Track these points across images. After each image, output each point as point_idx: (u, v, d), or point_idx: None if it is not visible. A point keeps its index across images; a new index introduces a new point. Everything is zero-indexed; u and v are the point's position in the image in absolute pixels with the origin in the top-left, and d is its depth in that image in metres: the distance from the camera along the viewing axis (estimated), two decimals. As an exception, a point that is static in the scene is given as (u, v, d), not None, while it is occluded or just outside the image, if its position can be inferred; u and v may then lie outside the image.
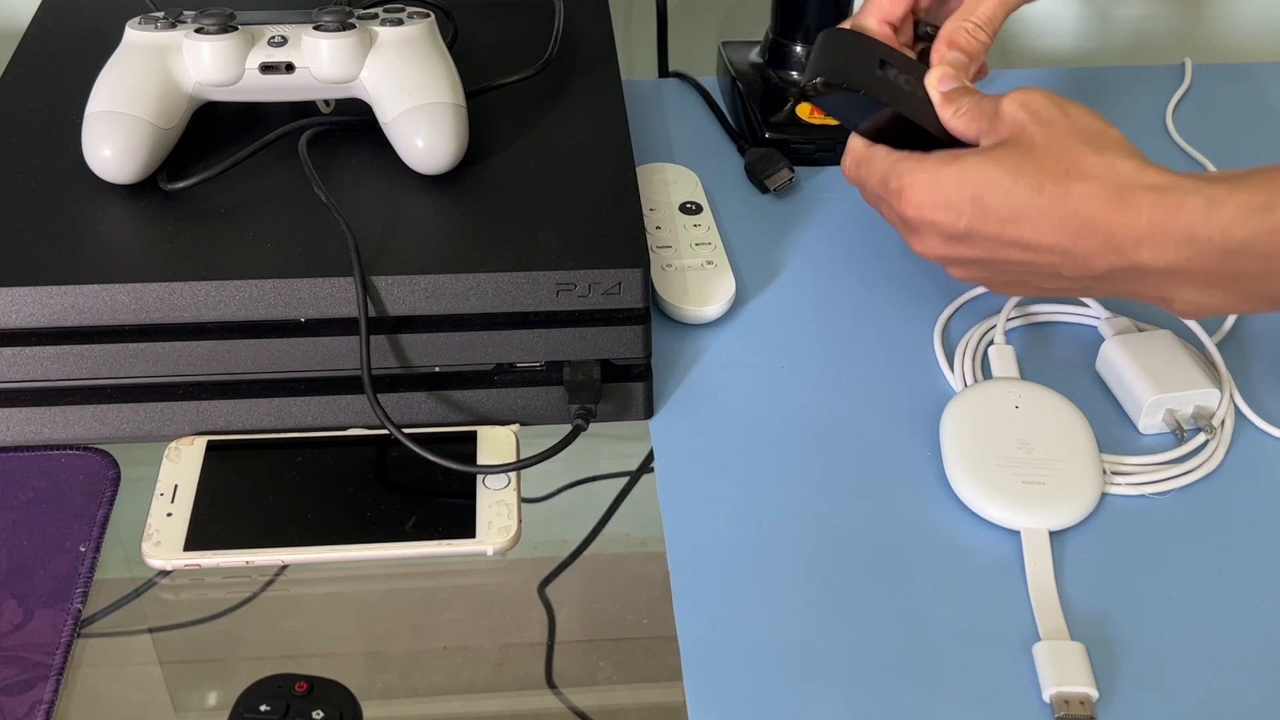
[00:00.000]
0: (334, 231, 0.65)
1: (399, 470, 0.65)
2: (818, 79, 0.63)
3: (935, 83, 0.65)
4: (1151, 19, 1.09)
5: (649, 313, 0.66)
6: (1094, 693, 0.55)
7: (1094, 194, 0.58)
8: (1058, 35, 1.09)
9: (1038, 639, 0.58)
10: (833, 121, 0.86)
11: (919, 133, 0.64)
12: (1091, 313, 0.74)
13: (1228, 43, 1.10)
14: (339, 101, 0.73)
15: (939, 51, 0.68)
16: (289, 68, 0.68)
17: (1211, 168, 0.86)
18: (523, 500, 0.64)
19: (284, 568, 0.61)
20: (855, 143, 0.66)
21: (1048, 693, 0.56)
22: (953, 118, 0.64)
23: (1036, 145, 0.60)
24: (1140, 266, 0.58)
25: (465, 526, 0.62)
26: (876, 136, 0.66)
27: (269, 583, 0.61)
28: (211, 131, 0.72)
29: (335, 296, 0.63)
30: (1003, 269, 0.62)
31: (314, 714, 0.54)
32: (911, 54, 0.72)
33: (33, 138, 0.72)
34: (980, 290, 0.76)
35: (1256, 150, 0.88)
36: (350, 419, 0.67)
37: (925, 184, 0.62)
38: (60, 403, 0.66)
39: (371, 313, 0.64)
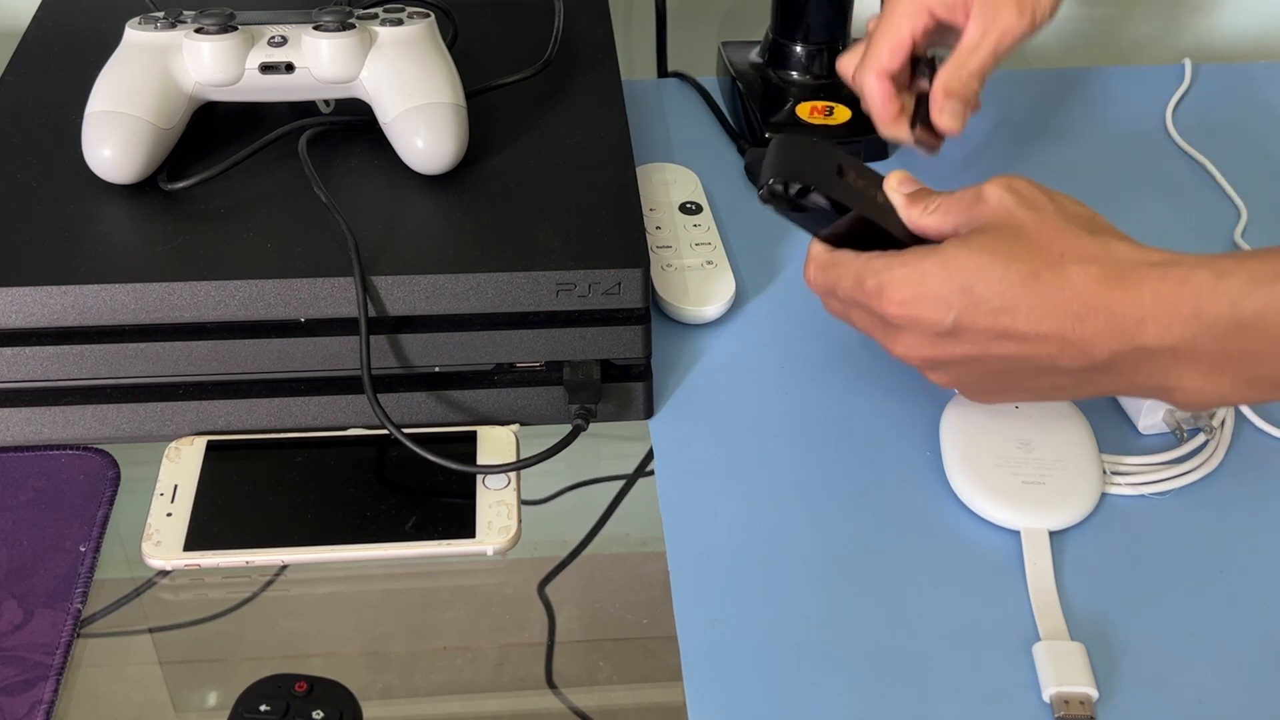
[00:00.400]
0: (334, 231, 0.65)
1: (399, 470, 0.65)
2: (773, 181, 0.60)
3: (896, 185, 0.62)
4: (1151, 19, 1.09)
5: (649, 313, 0.66)
6: (1094, 693, 0.55)
7: (1092, 275, 0.55)
8: (1057, 35, 1.09)
9: (1038, 639, 0.58)
10: (833, 121, 0.86)
11: (882, 237, 0.61)
12: (1091, 313, 0.74)
13: (1228, 43, 1.10)
14: (339, 101, 0.73)
15: (936, 101, 0.72)
16: (289, 68, 0.68)
17: (1213, 168, 0.86)
18: (523, 500, 0.64)
19: (284, 568, 0.61)
20: (817, 248, 0.63)
21: (1048, 693, 0.56)
22: (921, 216, 0.61)
23: (1026, 230, 0.56)
24: (1144, 349, 0.54)
25: (465, 526, 0.62)
26: (836, 244, 0.63)
27: (269, 583, 0.61)
28: (211, 131, 0.72)
29: (335, 296, 0.63)
30: (992, 367, 0.58)
31: (314, 714, 0.54)
32: (910, 98, 0.75)
33: (33, 138, 0.72)
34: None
35: (1257, 151, 0.88)
36: (350, 419, 0.67)
37: (907, 278, 0.58)
38: (60, 403, 0.66)
39: (371, 313, 0.64)
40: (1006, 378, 0.59)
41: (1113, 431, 0.68)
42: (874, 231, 0.61)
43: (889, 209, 0.61)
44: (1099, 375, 0.57)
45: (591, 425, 0.65)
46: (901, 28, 0.73)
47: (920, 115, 0.76)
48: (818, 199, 0.60)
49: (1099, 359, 0.55)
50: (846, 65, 0.77)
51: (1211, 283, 0.53)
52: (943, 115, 0.73)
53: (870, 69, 0.74)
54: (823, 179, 0.60)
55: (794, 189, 0.60)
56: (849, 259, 0.61)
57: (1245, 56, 1.10)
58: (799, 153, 0.61)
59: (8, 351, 0.64)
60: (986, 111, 0.91)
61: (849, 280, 0.60)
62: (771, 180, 0.60)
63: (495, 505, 0.63)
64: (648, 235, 0.70)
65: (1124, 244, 0.56)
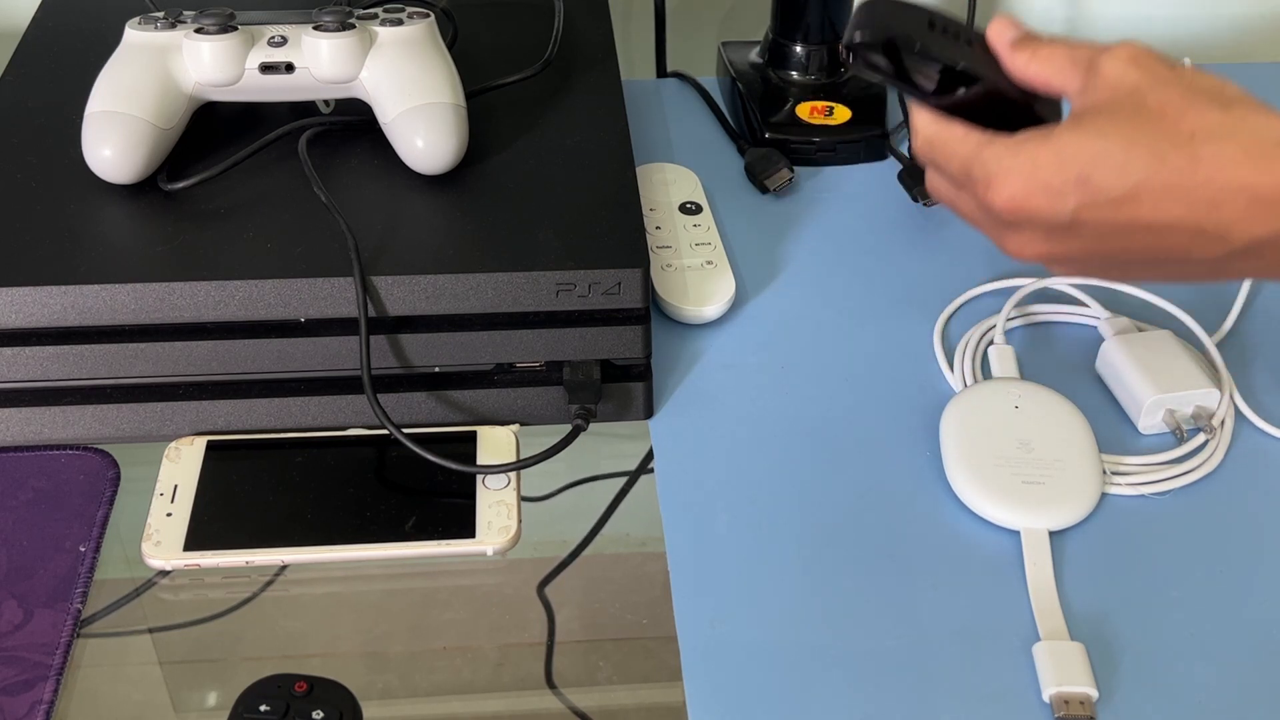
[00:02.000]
0: (334, 231, 0.65)
1: (399, 470, 0.65)
2: (862, 34, 0.55)
3: (998, 33, 0.56)
4: (1151, 19, 1.09)
5: (649, 313, 0.66)
6: (1094, 693, 0.55)
7: (1229, 155, 0.49)
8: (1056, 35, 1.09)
9: (1038, 639, 0.58)
10: (833, 121, 0.86)
11: (993, 104, 0.56)
12: (1091, 313, 0.74)
13: (1228, 43, 1.10)
14: (339, 101, 0.73)
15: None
16: (289, 68, 0.68)
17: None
18: (523, 500, 0.64)
19: (284, 568, 0.61)
20: (923, 120, 0.56)
21: (1047, 693, 0.56)
22: (1027, 64, 0.55)
23: (1148, 107, 0.51)
24: None
25: (465, 526, 0.62)
26: (947, 112, 0.57)
27: (269, 583, 0.61)
28: (211, 131, 0.72)
29: (335, 296, 0.63)
30: (1119, 259, 0.54)
31: (314, 714, 0.54)
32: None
33: (33, 138, 0.72)
34: (980, 290, 0.76)
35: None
36: (350, 419, 0.67)
37: (1018, 169, 0.52)
38: (60, 403, 0.66)
39: (371, 313, 0.64)
40: (1135, 269, 0.55)
41: (1113, 431, 0.68)
42: (983, 96, 0.56)
43: (993, 64, 0.56)
44: (1239, 261, 0.52)
45: (591, 425, 0.65)
46: None
47: None
48: (911, 58, 0.55)
49: (1238, 245, 0.51)
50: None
51: None
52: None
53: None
54: (915, 29, 0.55)
55: (881, 48, 0.55)
56: (957, 137, 0.55)
57: (1246, 56, 1.10)
58: (886, 9, 0.56)
59: (8, 351, 0.64)
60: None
61: (956, 164, 0.55)
62: (858, 35, 0.55)
63: (495, 505, 0.63)
64: (648, 235, 0.70)
65: (1261, 116, 0.51)
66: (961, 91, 0.56)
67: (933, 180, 0.58)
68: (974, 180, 0.54)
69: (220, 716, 0.54)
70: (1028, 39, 0.55)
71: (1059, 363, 0.72)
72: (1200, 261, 0.52)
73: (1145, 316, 0.73)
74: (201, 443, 0.66)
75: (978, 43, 0.57)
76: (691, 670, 0.57)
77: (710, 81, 0.94)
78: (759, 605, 0.60)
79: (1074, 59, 0.54)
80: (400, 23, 0.70)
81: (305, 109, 0.73)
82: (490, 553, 0.61)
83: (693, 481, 0.65)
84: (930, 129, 0.56)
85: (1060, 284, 0.75)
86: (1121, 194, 0.50)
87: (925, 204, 0.80)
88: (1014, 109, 0.56)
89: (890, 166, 0.85)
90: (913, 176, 0.82)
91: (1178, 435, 0.67)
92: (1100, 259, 0.54)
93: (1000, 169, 0.52)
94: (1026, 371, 0.71)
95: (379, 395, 0.63)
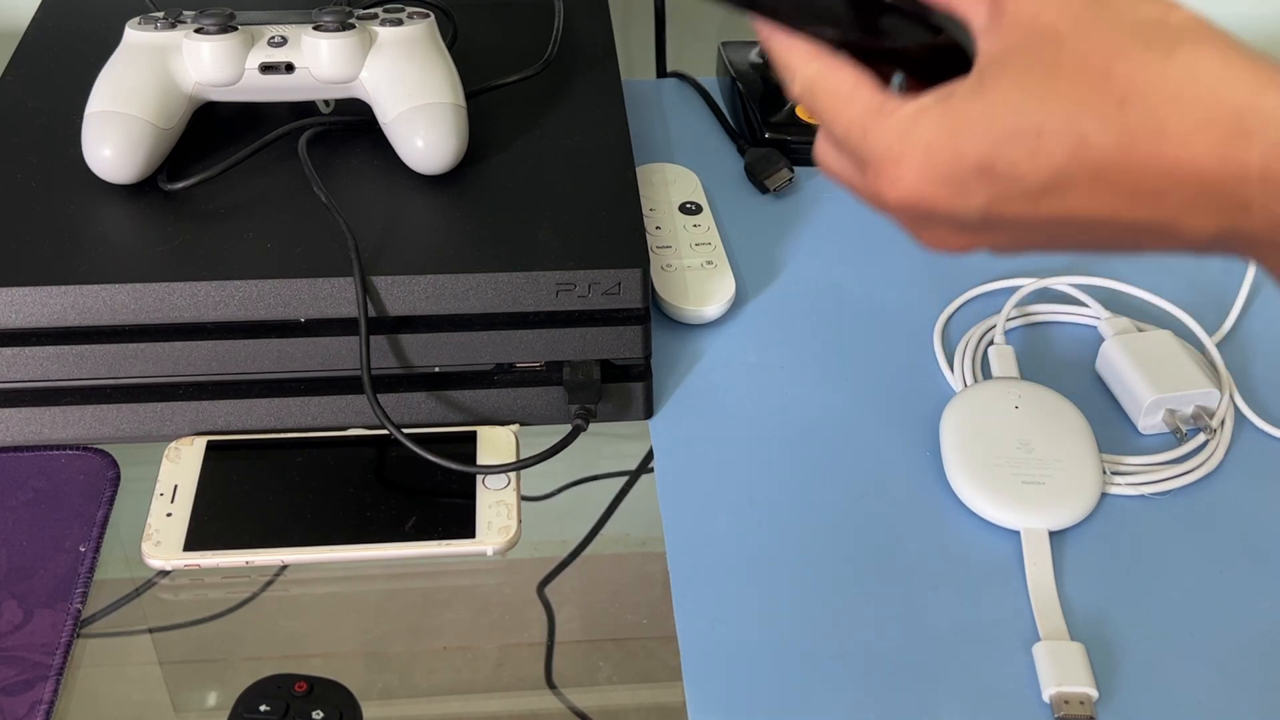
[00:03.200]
0: (334, 231, 0.65)
1: (399, 470, 0.65)
2: None
3: None
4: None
5: (649, 313, 0.66)
6: (1094, 692, 0.55)
7: (1171, 129, 0.38)
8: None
9: (1038, 639, 0.58)
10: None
11: (880, 30, 0.43)
12: (1091, 312, 0.74)
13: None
14: (339, 101, 0.73)
15: None
16: (289, 68, 0.68)
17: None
18: (523, 500, 0.64)
19: (284, 568, 0.61)
20: (798, 56, 0.44)
21: (1048, 693, 0.56)
22: None
23: (1066, 57, 0.39)
24: (1249, 235, 0.39)
25: (465, 527, 0.62)
26: (836, 47, 0.44)
27: (269, 583, 0.61)
28: (211, 132, 0.72)
29: (335, 296, 0.63)
30: (1060, 243, 0.43)
31: (313, 714, 0.54)
32: None
33: (33, 138, 0.72)
34: (980, 290, 0.76)
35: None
36: (350, 419, 0.67)
37: (910, 157, 0.41)
38: (60, 403, 0.66)
39: (371, 313, 0.64)
40: (1086, 248, 0.43)
41: (1113, 431, 0.68)
42: (871, 20, 0.43)
43: None
44: (1212, 250, 0.41)
45: (591, 425, 0.65)
46: None
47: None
48: None
49: (1197, 241, 0.40)
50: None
51: None
52: None
53: None
54: None
55: None
56: (843, 91, 0.43)
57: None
58: None
59: (7, 351, 0.64)
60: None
61: (840, 127, 0.43)
62: None
63: (495, 505, 0.63)
64: (648, 235, 0.70)
65: (1215, 63, 0.38)
66: (841, 12, 0.43)
67: (821, 147, 0.46)
68: (863, 162, 0.43)
69: (220, 717, 0.54)
70: None
71: (1059, 363, 0.72)
72: (1162, 250, 0.41)
73: (1145, 316, 0.73)
74: (201, 443, 0.66)
75: None
76: (691, 670, 0.57)
77: (710, 81, 0.94)
78: (759, 605, 0.60)
79: None
80: (400, 23, 0.70)
81: (305, 109, 0.73)
82: (490, 553, 0.61)
83: (693, 481, 0.65)
84: (809, 70, 0.44)
85: (1061, 284, 0.75)
86: (1039, 185, 0.40)
87: None
88: (918, 35, 0.43)
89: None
90: None
91: (1178, 435, 0.67)
92: (1042, 245, 0.43)
93: (890, 156, 0.42)
94: (1026, 371, 0.71)
95: (379, 395, 0.63)
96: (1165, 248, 0.41)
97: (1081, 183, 0.39)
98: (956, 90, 0.41)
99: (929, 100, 0.41)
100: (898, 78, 0.46)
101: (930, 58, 0.43)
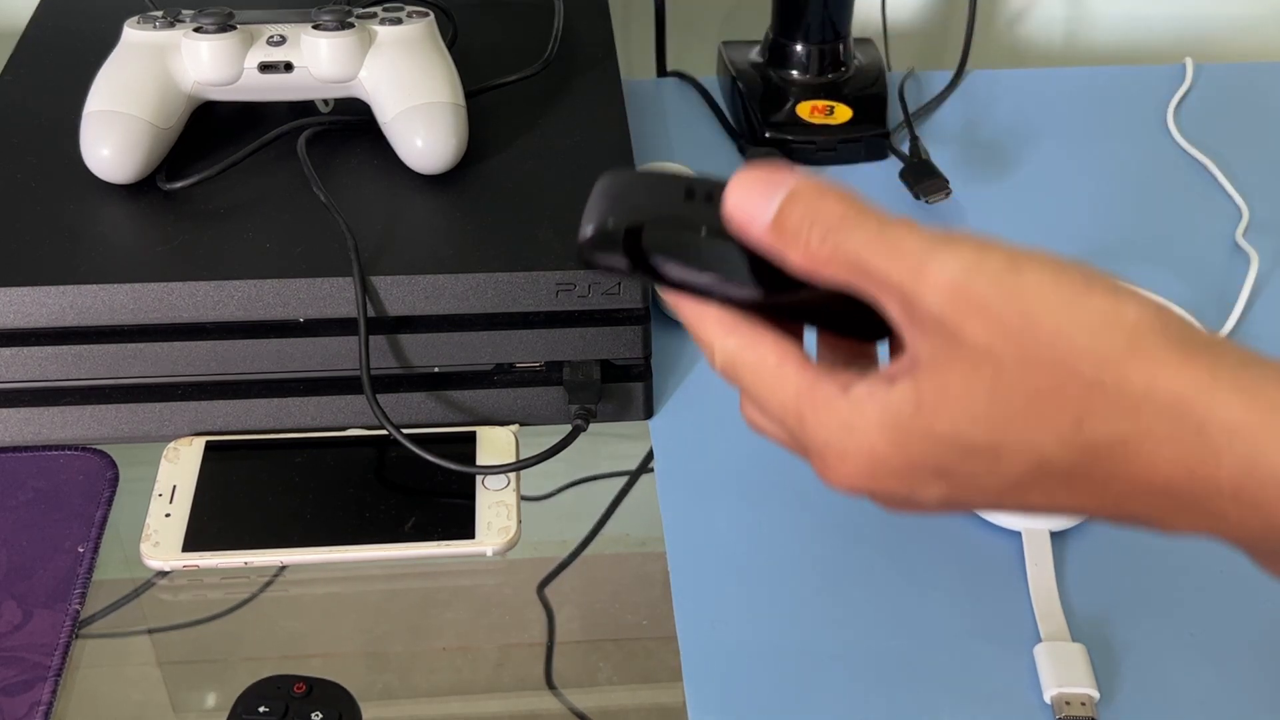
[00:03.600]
0: (333, 231, 0.65)
1: (398, 471, 0.65)
2: (598, 226, 0.42)
3: (741, 211, 0.39)
4: (1151, 19, 1.08)
5: (649, 313, 0.66)
6: (1095, 693, 0.55)
7: (1135, 451, 0.36)
8: (1056, 36, 1.09)
9: (1039, 640, 0.58)
10: (834, 120, 0.86)
11: (799, 302, 0.41)
12: (1092, 313, 0.73)
13: (1229, 42, 1.10)
14: (338, 101, 0.73)
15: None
16: (288, 67, 0.68)
17: (1214, 168, 0.85)
18: (522, 500, 0.63)
19: (283, 568, 0.61)
20: (713, 328, 0.42)
21: (1049, 693, 0.55)
22: (806, 264, 0.39)
23: (1007, 375, 0.37)
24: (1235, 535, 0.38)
25: (464, 527, 0.62)
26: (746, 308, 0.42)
27: (268, 583, 0.61)
28: (210, 131, 0.72)
29: (334, 296, 0.63)
30: (1039, 513, 0.44)
31: (313, 715, 0.53)
32: None
33: (31, 137, 0.72)
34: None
35: (1259, 151, 0.88)
36: (349, 419, 0.67)
37: (854, 456, 0.39)
38: (59, 403, 0.66)
39: (371, 313, 0.63)
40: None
41: (1114, 431, 0.68)
42: (785, 295, 0.41)
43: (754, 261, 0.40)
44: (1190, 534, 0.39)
45: (591, 425, 0.65)
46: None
47: None
48: (670, 251, 0.40)
49: (1179, 531, 0.39)
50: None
51: None
52: None
53: None
54: (667, 211, 0.40)
55: (621, 242, 0.41)
56: (768, 367, 0.41)
57: (1246, 56, 1.10)
58: (626, 185, 0.42)
59: (6, 352, 0.64)
60: (986, 112, 0.91)
61: (773, 405, 0.41)
62: (591, 229, 0.41)
63: (495, 506, 0.63)
64: (648, 235, 0.70)
65: (1174, 366, 0.36)
66: (750, 275, 0.40)
67: (749, 412, 0.44)
68: (803, 446, 0.41)
69: (219, 717, 0.54)
70: (789, 220, 0.39)
71: (1060, 363, 0.71)
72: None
73: (1146, 316, 0.73)
74: (200, 443, 0.66)
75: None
76: (691, 670, 0.57)
77: (710, 81, 0.94)
78: (759, 605, 0.60)
79: (873, 275, 0.38)
80: (399, 22, 0.69)
81: (304, 108, 0.73)
82: (490, 553, 0.61)
83: (693, 481, 0.65)
84: (729, 344, 0.41)
85: (1061, 284, 0.74)
86: (1001, 489, 0.38)
87: (928, 202, 0.80)
88: (828, 296, 0.40)
89: (891, 165, 0.84)
90: (915, 175, 0.81)
91: (1179, 435, 0.67)
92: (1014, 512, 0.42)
93: (833, 450, 0.40)
94: (1027, 371, 0.70)
95: (378, 395, 0.63)
96: (1159, 530, 0.40)
97: (1048, 487, 0.38)
98: (894, 397, 0.38)
99: (864, 394, 0.39)
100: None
101: (844, 313, 0.41)
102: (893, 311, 0.38)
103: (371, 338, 0.64)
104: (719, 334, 0.42)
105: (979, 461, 0.38)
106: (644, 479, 0.66)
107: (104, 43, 0.70)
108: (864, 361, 0.44)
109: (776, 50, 0.89)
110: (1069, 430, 0.37)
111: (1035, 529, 0.62)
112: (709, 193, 0.40)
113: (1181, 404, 0.36)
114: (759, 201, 0.39)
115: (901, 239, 0.38)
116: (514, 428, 0.67)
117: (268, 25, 0.69)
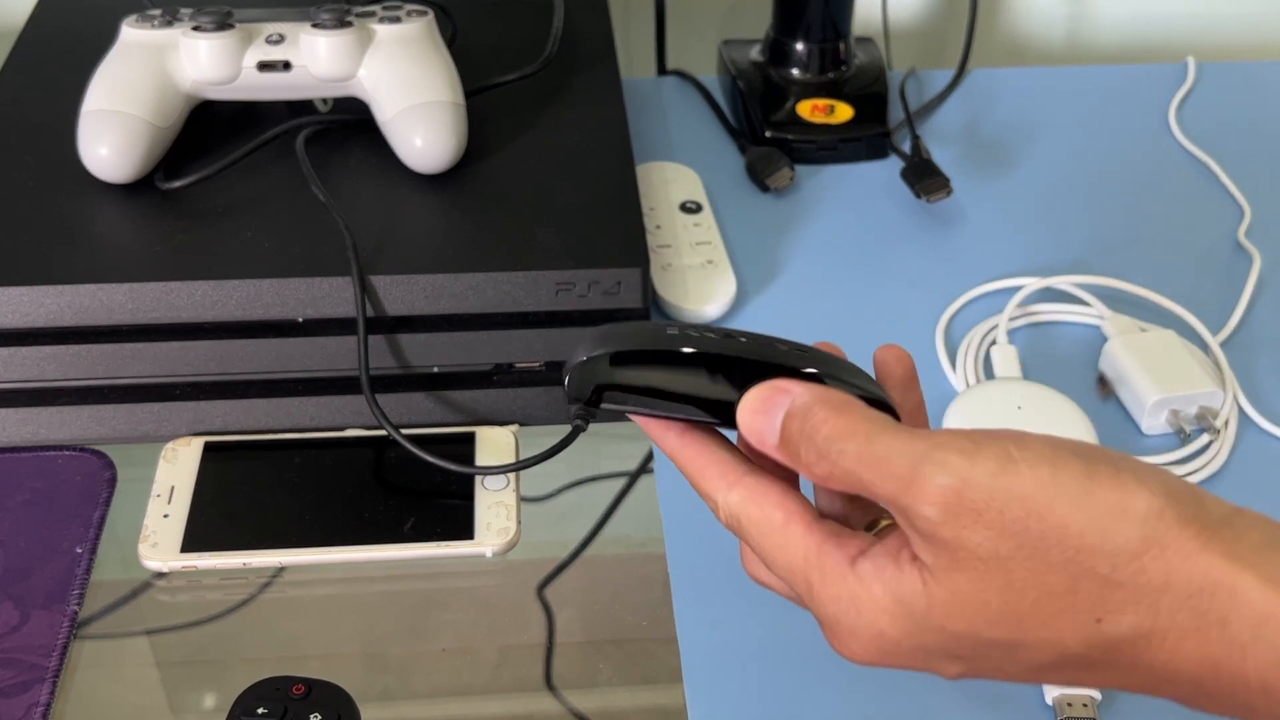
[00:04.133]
0: (332, 231, 0.65)
1: (397, 471, 0.65)
2: (581, 380, 0.43)
3: (751, 428, 0.41)
4: (1151, 19, 1.08)
5: (649, 313, 0.65)
6: (1097, 694, 0.55)
7: (1159, 643, 0.36)
8: (1057, 35, 1.09)
9: (1041, 641, 0.57)
10: (834, 119, 0.86)
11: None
12: (1094, 312, 0.73)
13: (1232, 41, 1.10)
14: (337, 100, 0.73)
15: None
16: (286, 66, 0.68)
17: (1216, 167, 0.85)
18: (522, 501, 0.63)
19: (281, 569, 0.61)
20: (715, 482, 0.43)
21: (1051, 694, 0.55)
22: (815, 476, 0.40)
23: (1018, 578, 0.37)
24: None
25: (464, 528, 0.62)
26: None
27: (266, 584, 0.61)
28: (208, 130, 0.71)
29: (333, 296, 0.63)
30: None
31: (311, 717, 0.53)
32: None
33: (29, 137, 0.72)
34: (983, 290, 0.75)
35: (1261, 150, 0.87)
36: (348, 419, 0.66)
37: (859, 630, 0.40)
38: (56, 403, 0.65)
39: (370, 313, 0.63)
40: None
41: (1115, 431, 0.67)
42: None
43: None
44: None
45: (591, 425, 0.65)
46: None
47: None
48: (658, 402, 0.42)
49: (1210, 714, 0.39)
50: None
51: None
52: None
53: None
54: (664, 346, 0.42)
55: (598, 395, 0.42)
56: (771, 524, 0.41)
57: (1247, 56, 1.10)
58: (622, 333, 0.43)
59: (3, 352, 0.63)
60: (987, 111, 0.91)
61: (781, 567, 0.42)
62: (575, 386, 0.43)
63: (494, 506, 0.62)
64: (648, 235, 0.70)
65: (1191, 555, 0.36)
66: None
67: (752, 567, 0.45)
68: (808, 607, 0.42)
69: (218, 719, 0.54)
70: (790, 439, 0.40)
71: (1062, 363, 0.71)
72: None
73: (1148, 316, 0.73)
74: (199, 443, 0.65)
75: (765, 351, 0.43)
76: (691, 671, 0.57)
77: (711, 80, 0.94)
78: (759, 607, 0.59)
79: (869, 489, 0.39)
80: (398, 20, 0.69)
81: (303, 107, 0.73)
82: (489, 554, 0.61)
83: (693, 482, 0.65)
84: (732, 499, 0.42)
85: (1064, 284, 0.74)
86: (1020, 673, 0.39)
87: (929, 201, 0.80)
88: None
89: (892, 165, 0.84)
90: (916, 174, 0.81)
91: (1181, 436, 0.66)
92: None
93: (844, 625, 0.40)
94: (1029, 371, 0.70)
95: (377, 395, 0.63)
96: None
97: (1069, 673, 0.38)
98: (905, 587, 0.38)
99: (870, 572, 0.39)
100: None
101: None
102: (895, 517, 0.39)
103: (370, 337, 0.64)
104: (721, 488, 0.43)
105: (997, 652, 0.38)
106: (644, 479, 0.66)
107: (102, 42, 0.70)
108: (864, 502, 0.44)
109: (777, 49, 0.89)
110: (1088, 628, 0.37)
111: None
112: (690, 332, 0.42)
113: (1202, 595, 0.36)
114: (764, 421, 0.41)
115: (889, 454, 0.38)
116: (513, 428, 0.67)
117: (266, 24, 0.69)
